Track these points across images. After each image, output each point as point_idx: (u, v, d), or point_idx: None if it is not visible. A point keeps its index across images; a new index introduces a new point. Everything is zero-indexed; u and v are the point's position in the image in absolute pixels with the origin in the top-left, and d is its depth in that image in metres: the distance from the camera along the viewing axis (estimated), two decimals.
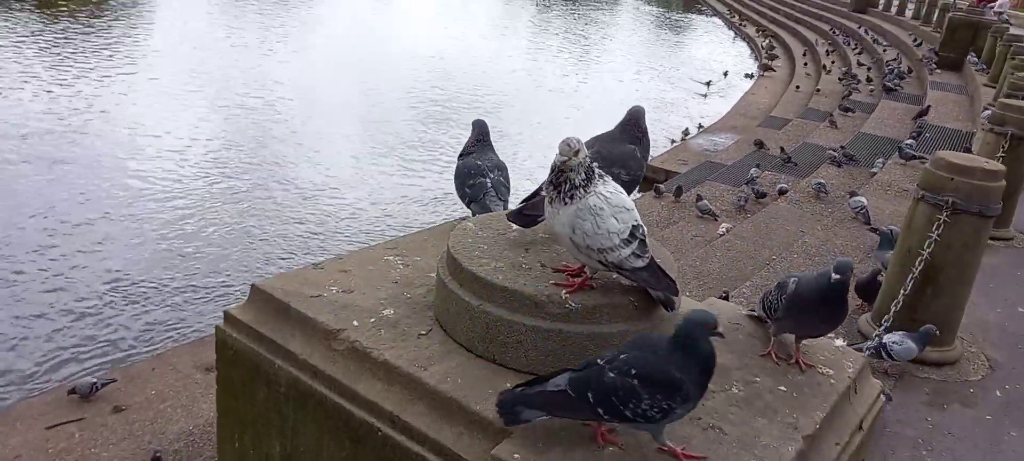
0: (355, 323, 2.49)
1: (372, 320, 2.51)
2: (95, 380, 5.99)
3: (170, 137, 12.80)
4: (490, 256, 2.46)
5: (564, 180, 2.23)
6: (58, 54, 16.64)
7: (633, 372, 1.95)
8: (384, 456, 2.29)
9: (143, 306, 8.22)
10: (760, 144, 13.14)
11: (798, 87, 19.01)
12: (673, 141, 15.14)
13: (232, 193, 11.01)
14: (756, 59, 26.42)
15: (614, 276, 2.35)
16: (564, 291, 2.29)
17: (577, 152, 2.23)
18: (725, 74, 23.23)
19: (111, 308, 8.10)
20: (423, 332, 2.48)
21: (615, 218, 2.21)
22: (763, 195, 10.22)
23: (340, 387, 2.38)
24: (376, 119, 15.24)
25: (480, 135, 3.54)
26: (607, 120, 2.96)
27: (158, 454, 4.87)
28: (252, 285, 2.69)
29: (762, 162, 12.11)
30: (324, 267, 2.84)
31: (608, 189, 2.25)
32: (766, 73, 22.01)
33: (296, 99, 15.89)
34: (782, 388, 2.41)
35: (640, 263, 2.24)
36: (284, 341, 2.53)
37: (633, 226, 2.23)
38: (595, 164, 2.28)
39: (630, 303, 2.32)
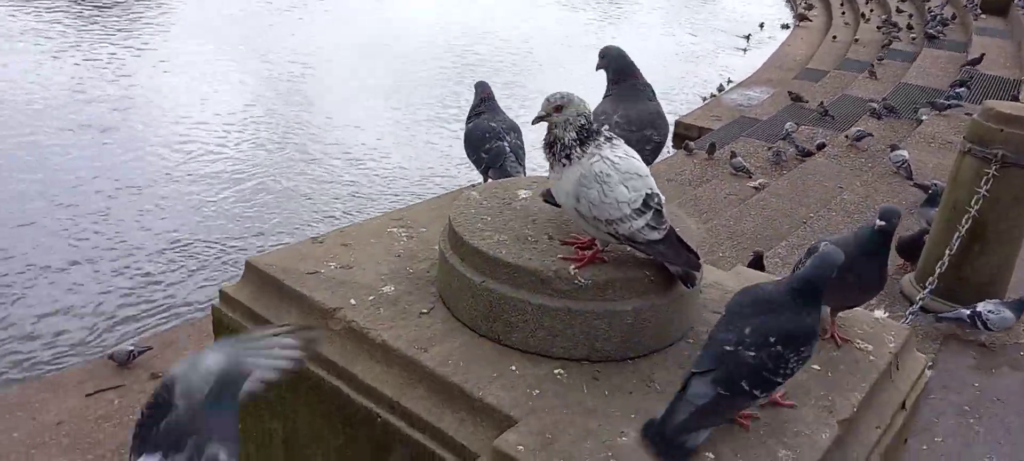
0: (353, 301, 2.33)
1: (371, 298, 2.35)
2: (132, 347, 6.05)
3: (212, 104, 12.84)
4: (494, 228, 2.28)
5: (553, 139, 2.04)
6: (96, 25, 16.68)
7: (772, 340, 1.82)
8: (383, 442, 2.13)
9: (181, 272, 8.24)
10: (796, 97, 12.71)
11: (835, 37, 18.37)
12: (704, 98, 14.72)
13: (274, 159, 11.02)
14: (792, 9, 25.61)
15: (627, 249, 2.15)
16: (572, 266, 2.10)
17: (558, 107, 2.01)
18: (761, 26, 22.56)
19: (151, 275, 8.13)
20: (424, 310, 2.31)
21: (625, 186, 1.98)
22: (808, 154, 9.80)
23: (337, 369, 2.23)
24: (410, 81, 15.05)
25: (485, 96, 3.32)
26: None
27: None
28: (247, 262, 2.54)
29: (798, 116, 11.71)
30: (324, 241, 2.67)
31: (617, 153, 2.02)
32: (802, 23, 21.31)
33: (331, 64, 15.82)
34: (816, 366, 2.20)
35: (656, 235, 2.01)
36: (279, 320, 2.38)
37: (647, 194, 2.00)
38: (602, 125, 2.06)
39: (645, 277, 2.12)
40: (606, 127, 2.08)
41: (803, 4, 23.98)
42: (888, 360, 2.29)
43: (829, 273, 1.88)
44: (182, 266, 8.31)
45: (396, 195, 10.24)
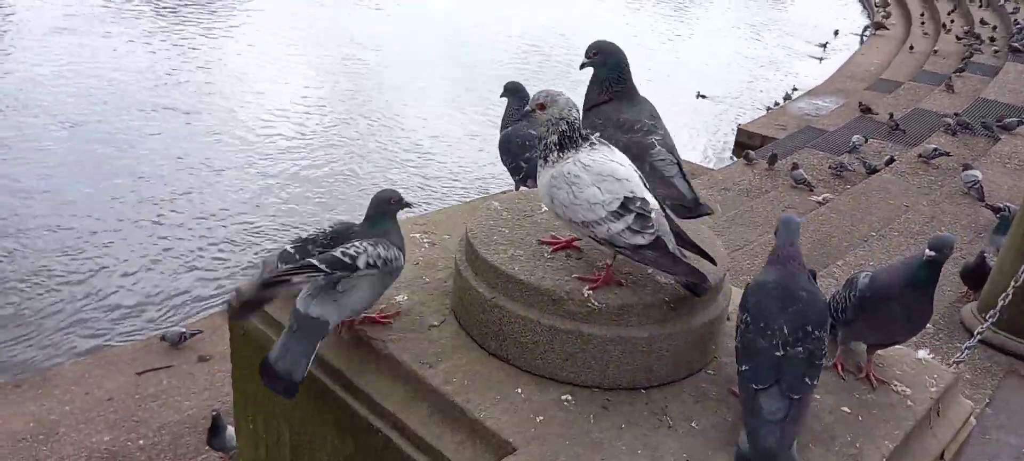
0: None
1: (382, 306, 2.28)
2: (184, 330, 6.25)
3: (293, 91, 13.16)
4: (510, 241, 2.18)
5: (539, 139, 2.02)
6: (185, 10, 17.16)
7: (810, 328, 1.86)
8: (384, 458, 2.07)
9: (245, 255, 8.38)
10: (866, 109, 12.26)
11: (912, 47, 17.66)
12: (768, 107, 14.29)
13: (349, 149, 11.29)
14: (869, 17, 24.78)
15: (650, 270, 2.04)
16: (586, 287, 2.00)
17: (542, 106, 1.98)
18: (836, 33, 21.88)
19: (219, 257, 8.28)
20: (435, 323, 2.23)
21: (598, 187, 1.93)
22: (874, 170, 9.40)
23: (343, 380, 2.17)
24: (480, 76, 15.07)
25: (523, 100, 3.22)
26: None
27: (215, 411, 4.89)
28: (263, 261, 2.50)
29: (868, 129, 11.29)
30: None
31: (594, 155, 1.98)
32: (879, 31, 20.58)
33: (409, 56, 16.00)
34: (845, 408, 2.05)
35: (640, 240, 1.93)
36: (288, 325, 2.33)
37: (626, 197, 1.93)
38: (589, 130, 2.02)
39: (663, 304, 2.00)
40: (598, 134, 2.05)
41: (881, 13, 23.18)
42: (928, 406, 2.12)
43: (795, 235, 1.97)
44: (248, 248, 8.46)
45: (464, 189, 10.29)
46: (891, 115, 11.46)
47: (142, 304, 7.47)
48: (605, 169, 1.96)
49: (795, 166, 9.40)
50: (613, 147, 2.04)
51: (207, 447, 4.90)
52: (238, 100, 12.52)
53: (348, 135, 11.66)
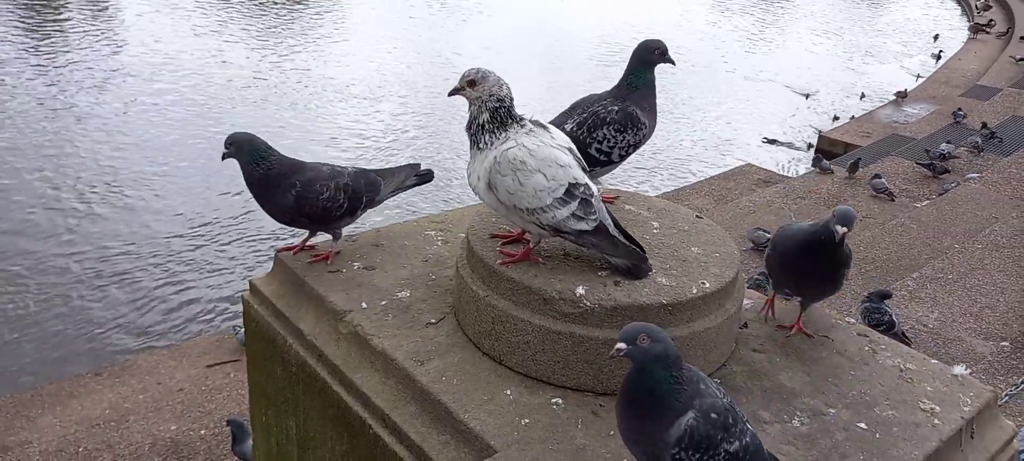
0: (364, 305, 2.23)
1: (383, 302, 2.25)
2: None
3: (384, 95, 13.45)
4: (508, 239, 2.12)
5: (470, 120, 1.95)
6: (264, 26, 17.80)
7: None
8: (375, 455, 2.03)
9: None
10: (958, 116, 11.59)
11: (1012, 57, 16.55)
12: (853, 115, 13.64)
13: (431, 148, 11.39)
14: (967, 19, 23.49)
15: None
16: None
17: (472, 83, 1.91)
18: (935, 37, 20.79)
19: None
20: (433, 320, 2.18)
21: (543, 173, 1.89)
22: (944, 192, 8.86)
23: (340, 375, 2.14)
24: (555, 82, 15.02)
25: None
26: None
27: (232, 418, 4.91)
28: (276, 254, 2.51)
29: (959, 136, 10.67)
30: (356, 239, 2.61)
31: (536, 140, 1.92)
32: (978, 35, 19.46)
33: (487, 53, 16.11)
34: (862, 425, 1.90)
35: (584, 226, 1.91)
36: (296, 319, 2.33)
37: (570, 184, 1.90)
38: (512, 109, 1.96)
39: (661, 306, 1.90)
40: (533, 116, 2.00)
41: (980, 14, 21.94)
42: (958, 426, 1.94)
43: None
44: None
45: None
46: (984, 124, 10.79)
47: (223, 299, 7.69)
48: (549, 155, 1.91)
49: (876, 175, 8.97)
50: (549, 127, 1.99)
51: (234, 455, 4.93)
52: (333, 99, 12.96)
53: (433, 136, 11.89)
